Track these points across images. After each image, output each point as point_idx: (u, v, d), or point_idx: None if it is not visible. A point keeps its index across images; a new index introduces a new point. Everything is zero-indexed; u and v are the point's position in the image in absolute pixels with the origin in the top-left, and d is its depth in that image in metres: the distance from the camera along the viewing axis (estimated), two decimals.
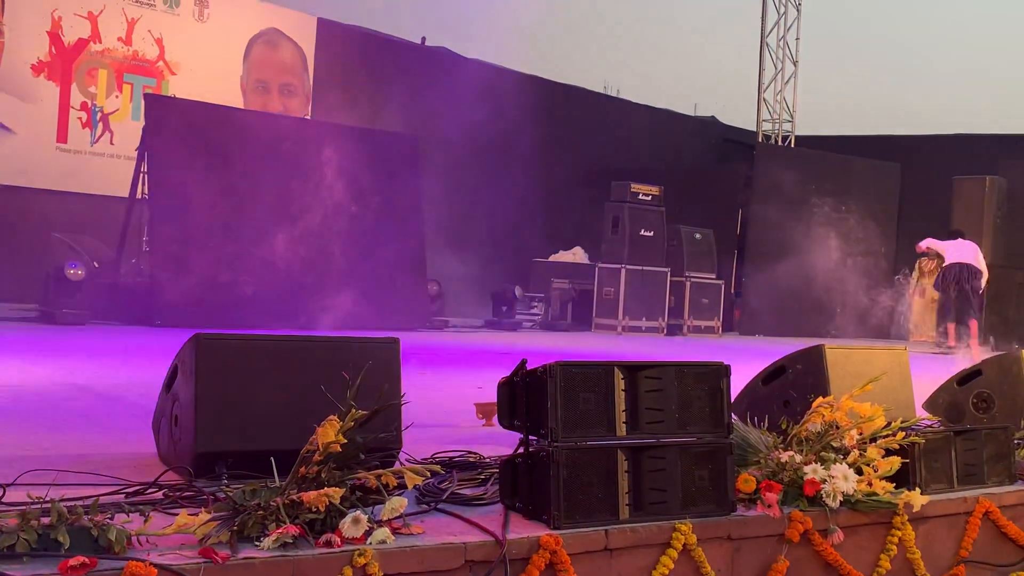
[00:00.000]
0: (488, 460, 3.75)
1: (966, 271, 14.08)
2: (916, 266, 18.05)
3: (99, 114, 13.43)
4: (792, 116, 20.23)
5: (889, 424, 3.86)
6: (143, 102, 12.13)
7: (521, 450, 3.18)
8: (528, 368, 3.20)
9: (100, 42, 13.39)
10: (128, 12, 13.60)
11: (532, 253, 16.71)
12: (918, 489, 3.73)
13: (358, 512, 2.69)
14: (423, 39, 17.36)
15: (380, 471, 2.85)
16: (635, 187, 15.16)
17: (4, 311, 10.38)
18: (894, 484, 3.69)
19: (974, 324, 13.98)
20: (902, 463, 3.73)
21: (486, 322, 14.26)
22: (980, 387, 5.26)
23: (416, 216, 13.06)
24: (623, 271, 14.73)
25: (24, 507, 2.48)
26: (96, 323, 10.17)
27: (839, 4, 27.06)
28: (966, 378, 5.37)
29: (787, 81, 20.04)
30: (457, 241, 14.25)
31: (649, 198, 15.23)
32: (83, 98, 13.28)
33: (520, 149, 16.92)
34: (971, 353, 12.47)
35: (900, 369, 4.96)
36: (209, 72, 14.32)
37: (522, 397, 3.19)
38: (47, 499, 2.53)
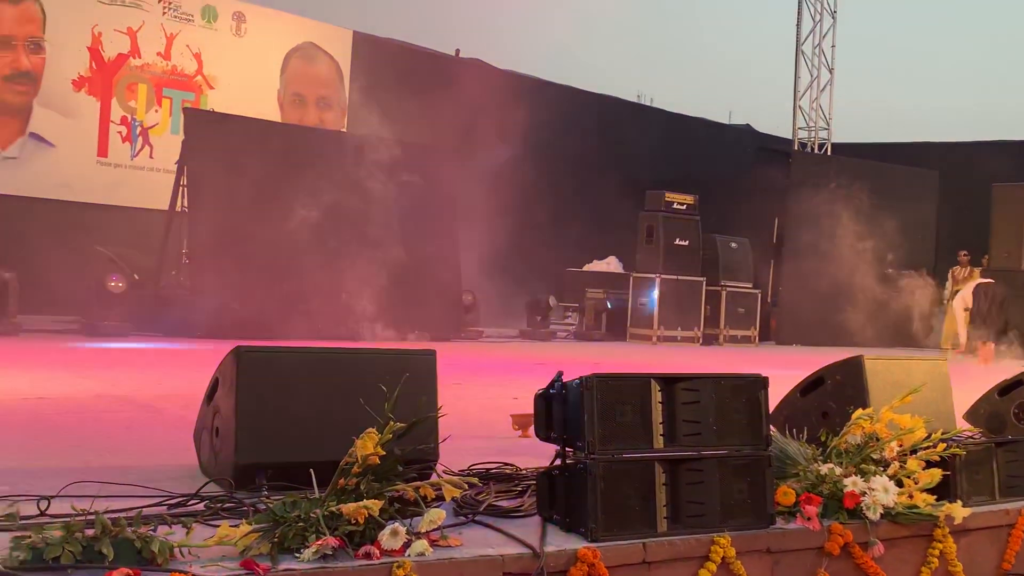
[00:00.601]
0: (525, 472, 3.75)
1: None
2: (949, 275, 17.88)
3: (139, 128, 13.61)
4: (828, 123, 20.10)
5: (929, 436, 3.82)
6: (182, 116, 12.28)
7: (558, 462, 3.18)
8: (564, 380, 3.20)
9: (140, 57, 13.57)
10: (167, 27, 13.78)
11: (566, 263, 16.71)
12: (959, 501, 3.69)
13: (396, 524, 2.71)
14: (457, 51, 17.45)
15: (418, 483, 2.87)
16: (669, 196, 15.12)
17: (47, 323, 10.53)
18: (935, 496, 3.65)
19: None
20: (943, 475, 3.69)
21: (521, 332, 14.27)
22: (1022, 397, 5.19)
23: (451, 227, 13.11)
24: (658, 281, 14.69)
25: (69, 519, 2.52)
26: (137, 335, 10.29)
27: (875, 11, 26.89)
28: (1007, 388, 5.29)
29: (823, 88, 19.92)
30: (492, 251, 14.28)
31: (684, 207, 15.19)
32: (123, 112, 13.46)
33: (554, 159, 16.95)
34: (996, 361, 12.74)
35: (940, 380, 4.91)
36: (247, 86, 14.47)
37: (559, 409, 3.19)
38: (91, 511, 2.57)
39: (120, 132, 13.44)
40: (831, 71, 19.84)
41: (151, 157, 13.62)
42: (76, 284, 10.74)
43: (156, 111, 13.73)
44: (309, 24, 15.38)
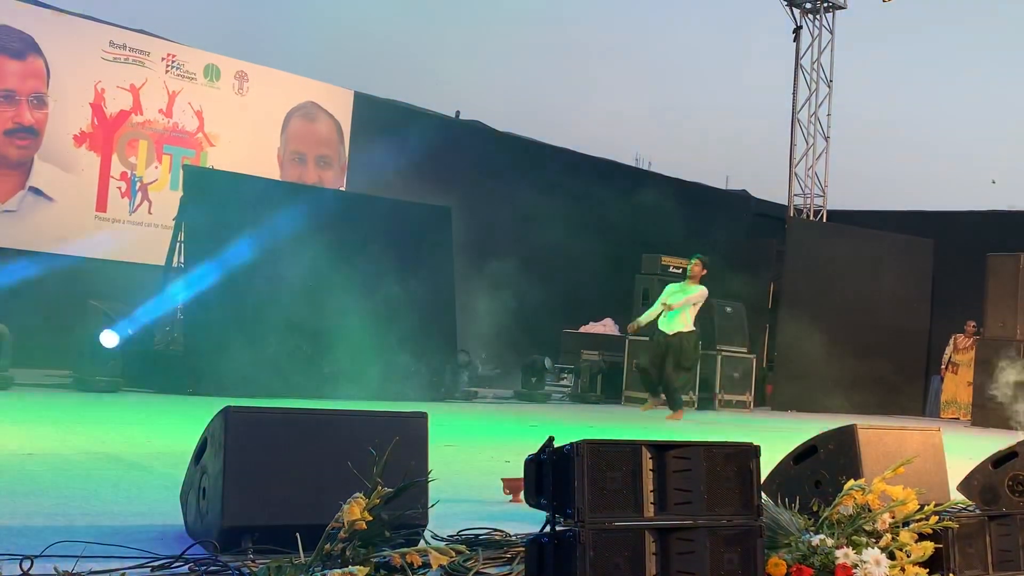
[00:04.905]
0: (514, 538, 3.72)
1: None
2: (951, 341, 17.89)
3: (138, 184, 13.67)
4: (824, 191, 20.25)
5: (922, 507, 3.80)
6: (182, 173, 12.35)
7: (547, 529, 3.15)
8: (555, 445, 3.19)
9: (141, 114, 13.68)
10: (169, 85, 13.91)
11: (562, 324, 16.71)
12: (952, 575, 3.66)
13: None
14: (457, 112, 17.63)
15: (405, 550, 2.84)
16: (665, 260, 15.20)
17: (39, 377, 10.48)
18: (927, 569, 3.61)
19: None
20: (935, 548, 3.66)
21: (516, 393, 14.22)
22: (1016, 469, 5.16)
23: (447, 287, 13.12)
24: None
25: None
26: (129, 390, 10.25)
27: (871, 80, 27.23)
28: (1002, 459, 5.27)
29: (819, 156, 20.10)
30: (487, 311, 14.29)
31: (680, 271, 15.23)
32: (123, 168, 13.54)
33: (552, 220, 17.04)
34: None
35: (934, 450, 4.90)
36: (247, 143, 14.58)
37: (549, 476, 3.17)
38: (74, 572, 2.54)
39: (120, 187, 13.50)
40: (827, 139, 20.03)
41: (150, 213, 13.67)
42: (69, 338, 10.72)
43: (156, 167, 13.81)
44: (311, 84, 15.54)
